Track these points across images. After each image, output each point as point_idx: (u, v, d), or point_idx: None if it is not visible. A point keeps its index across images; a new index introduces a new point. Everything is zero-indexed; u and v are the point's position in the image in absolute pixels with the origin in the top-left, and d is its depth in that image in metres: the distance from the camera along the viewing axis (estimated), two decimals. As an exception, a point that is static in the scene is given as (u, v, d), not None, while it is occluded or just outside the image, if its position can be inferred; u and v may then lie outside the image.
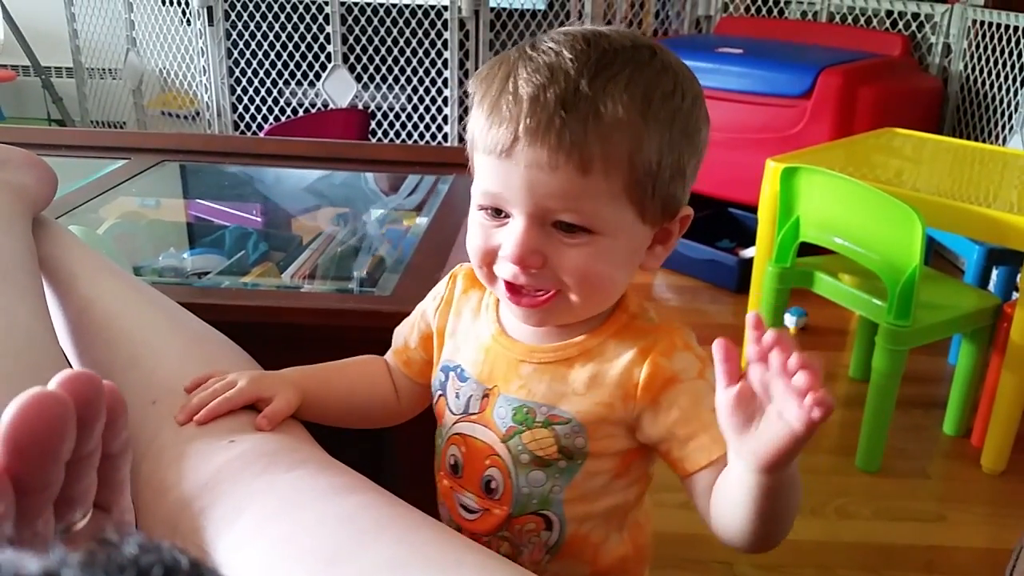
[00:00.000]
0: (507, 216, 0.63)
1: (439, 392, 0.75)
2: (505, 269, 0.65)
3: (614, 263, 0.65)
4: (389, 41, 3.16)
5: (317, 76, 3.20)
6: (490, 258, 0.65)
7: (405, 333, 0.80)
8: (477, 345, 0.72)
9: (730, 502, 0.60)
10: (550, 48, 0.62)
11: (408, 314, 0.82)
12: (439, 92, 3.22)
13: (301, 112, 3.26)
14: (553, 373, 0.68)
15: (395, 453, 0.95)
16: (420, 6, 3.13)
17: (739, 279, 2.48)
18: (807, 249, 1.87)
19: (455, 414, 0.73)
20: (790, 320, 2.27)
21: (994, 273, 2.21)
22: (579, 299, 0.65)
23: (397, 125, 3.29)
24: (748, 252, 2.54)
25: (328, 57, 3.17)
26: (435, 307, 0.77)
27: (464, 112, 3.12)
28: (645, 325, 0.69)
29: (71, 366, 0.79)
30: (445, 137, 3.26)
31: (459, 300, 0.76)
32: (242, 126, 3.31)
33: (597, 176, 0.60)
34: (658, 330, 0.68)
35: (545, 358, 0.69)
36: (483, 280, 0.69)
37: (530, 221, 0.62)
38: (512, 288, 0.65)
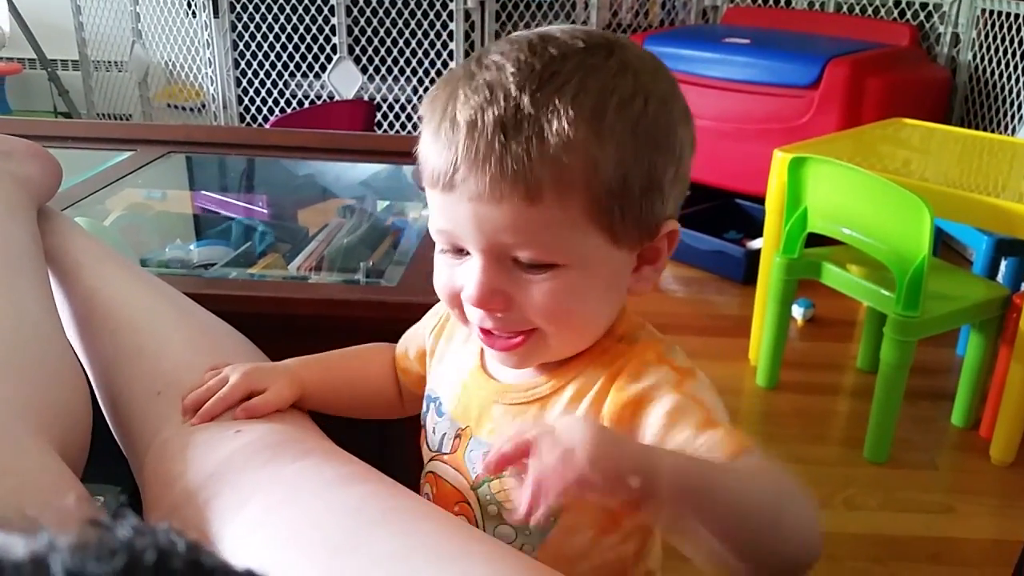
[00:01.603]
0: (467, 253, 0.57)
1: (422, 423, 0.71)
2: (472, 313, 0.59)
3: (589, 296, 0.58)
4: (395, 32, 3.15)
5: (323, 68, 3.19)
6: (458, 299, 0.59)
7: (407, 341, 0.77)
8: (457, 378, 0.67)
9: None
10: (493, 62, 0.55)
11: (415, 305, 0.81)
12: (445, 83, 3.21)
13: (307, 104, 3.26)
14: (524, 416, 0.62)
15: (402, 442, 0.95)
16: (425, -3, 3.12)
17: (746, 270, 2.47)
18: (815, 240, 1.86)
19: (431, 450, 0.69)
20: (798, 311, 2.26)
21: (1003, 264, 2.20)
22: (556, 338, 0.59)
23: (403, 117, 3.28)
24: (755, 243, 2.53)
25: (333, 49, 3.16)
26: (432, 325, 0.73)
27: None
28: (623, 348, 0.61)
29: (77, 356, 0.79)
30: (451, 129, 3.25)
31: (453, 322, 0.69)
32: (248, 118, 3.31)
33: (549, 204, 0.53)
34: (632, 350, 0.60)
35: (516, 399, 0.63)
36: (459, 320, 0.63)
37: (487, 259, 0.56)
38: (485, 330, 0.60)
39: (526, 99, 0.53)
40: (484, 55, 0.57)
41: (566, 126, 0.53)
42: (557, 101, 0.53)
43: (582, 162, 0.53)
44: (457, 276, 0.59)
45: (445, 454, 0.66)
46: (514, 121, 0.53)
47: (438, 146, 0.55)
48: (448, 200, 0.56)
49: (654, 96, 0.57)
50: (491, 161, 0.53)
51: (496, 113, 0.53)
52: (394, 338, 0.82)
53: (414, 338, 0.76)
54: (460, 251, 0.58)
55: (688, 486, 0.50)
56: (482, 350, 0.65)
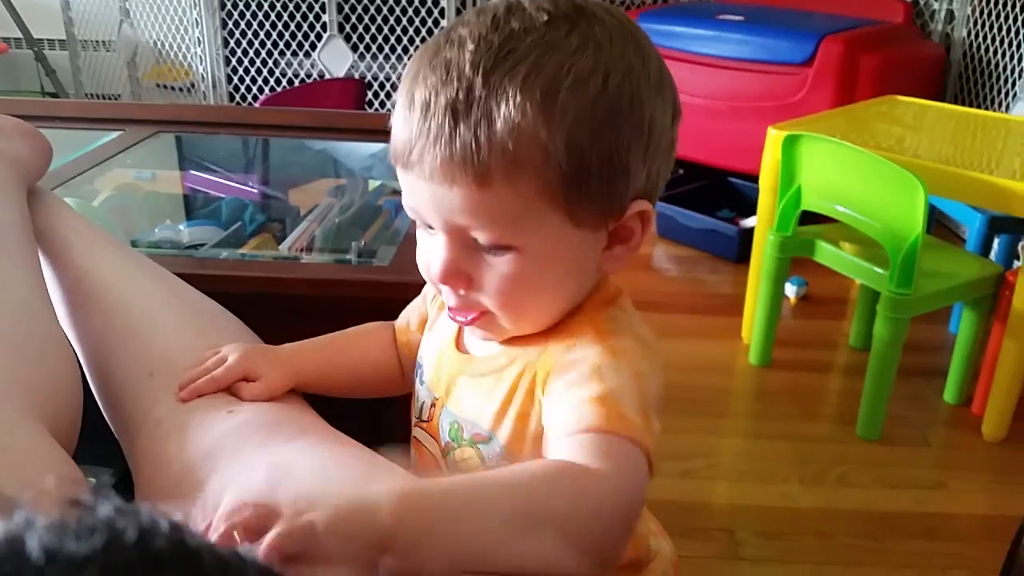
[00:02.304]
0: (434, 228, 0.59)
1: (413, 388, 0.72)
2: (440, 288, 0.61)
3: (545, 279, 0.58)
4: (385, 10, 3.12)
5: (313, 46, 3.16)
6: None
7: (409, 313, 0.78)
8: (436, 349, 0.69)
9: None
10: (458, 36, 0.55)
11: (408, 284, 0.81)
12: (436, 62, 3.18)
13: (297, 82, 3.23)
14: (480, 387, 0.63)
15: (395, 422, 0.95)
16: (416, -26, 3.09)
17: (739, 249, 2.47)
18: (808, 217, 1.85)
19: (415, 416, 0.71)
20: (790, 289, 2.26)
21: (996, 241, 2.20)
22: (508, 321, 0.60)
23: (394, 95, 3.25)
24: (748, 222, 2.53)
25: (324, 27, 3.13)
26: (433, 293, 0.73)
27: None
28: (575, 320, 0.61)
29: (66, 337, 0.78)
30: (443, 107, 3.23)
31: None
32: (237, 97, 3.28)
33: (500, 188, 0.53)
34: (578, 322, 0.61)
35: (478, 370, 0.64)
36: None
37: (449, 238, 0.57)
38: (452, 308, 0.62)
39: (479, 81, 0.53)
40: (455, 27, 0.57)
41: (513, 111, 0.52)
42: (508, 83, 0.52)
43: (531, 148, 0.53)
44: (428, 251, 0.60)
45: (424, 422, 0.69)
46: (465, 104, 0.53)
47: (399, 123, 0.56)
48: (409, 178, 0.57)
49: (617, 71, 0.55)
50: (441, 143, 0.53)
51: (449, 96, 0.53)
52: (387, 317, 0.82)
53: (417, 309, 0.77)
54: (430, 225, 0.59)
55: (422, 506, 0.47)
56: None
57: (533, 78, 0.53)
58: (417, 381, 0.71)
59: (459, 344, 0.67)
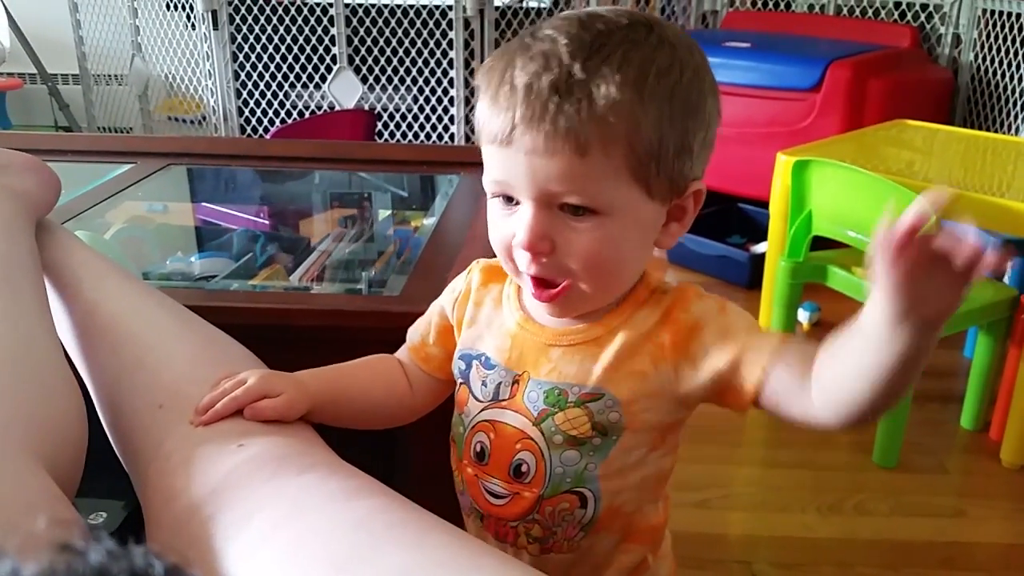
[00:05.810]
0: (517, 203, 0.64)
1: (461, 381, 0.74)
2: (521, 259, 0.65)
3: (624, 245, 0.65)
4: (394, 42, 3.15)
5: (323, 78, 3.19)
6: (510, 249, 0.66)
7: (421, 331, 0.80)
8: (502, 332, 0.72)
9: (852, 368, 0.59)
10: (547, 35, 0.63)
11: (418, 314, 0.81)
12: (445, 92, 3.20)
13: (307, 114, 3.25)
14: (583, 353, 0.69)
15: (407, 455, 0.94)
16: (425, 6, 3.12)
17: (750, 275, 2.46)
18: (820, 243, 1.85)
19: (482, 401, 0.72)
20: (803, 315, 2.24)
21: (1009, 264, 2.18)
22: (591, 287, 0.66)
23: (403, 125, 3.27)
24: (759, 247, 2.52)
25: (333, 59, 3.16)
26: (453, 300, 0.77)
27: (470, 111, 3.11)
28: (661, 295, 0.70)
29: (74, 371, 0.78)
30: (452, 137, 3.25)
31: (477, 291, 0.76)
32: (248, 130, 3.30)
33: (596, 157, 0.60)
34: (673, 291, 0.70)
35: (574, 340, 0.69)
36: (509, 272, 0.70)
37: (536, 206, 0.63)
38: (536, 282, 0.66)
39: (577, 66, 0.60)
40: (537, 30, 0.64)
41: (613, 90, 0.60)
42: (605, 69, 0.60)
43: (626, 122, 0.60)
44: (509, 224, 0.65)
45: (503, 400, 0.71)
46: (566, 85, 0.60)
47: (497, 108, 0.62)
48: (506, 154, 0.62)
49: (689, 68, 0.63)
50: (546, 119, 0.60)
51: (551, 78, 0.60)
52: (397, 347, 0.81)
53: (430, 324, 0.79)
54: (510, 200, 0.65)
55: None
56: (524, 306, 0.72)
57: (626, 66, 0.60)
58: (478, 368, 0.73)
59: (535, 321, 0.71)
